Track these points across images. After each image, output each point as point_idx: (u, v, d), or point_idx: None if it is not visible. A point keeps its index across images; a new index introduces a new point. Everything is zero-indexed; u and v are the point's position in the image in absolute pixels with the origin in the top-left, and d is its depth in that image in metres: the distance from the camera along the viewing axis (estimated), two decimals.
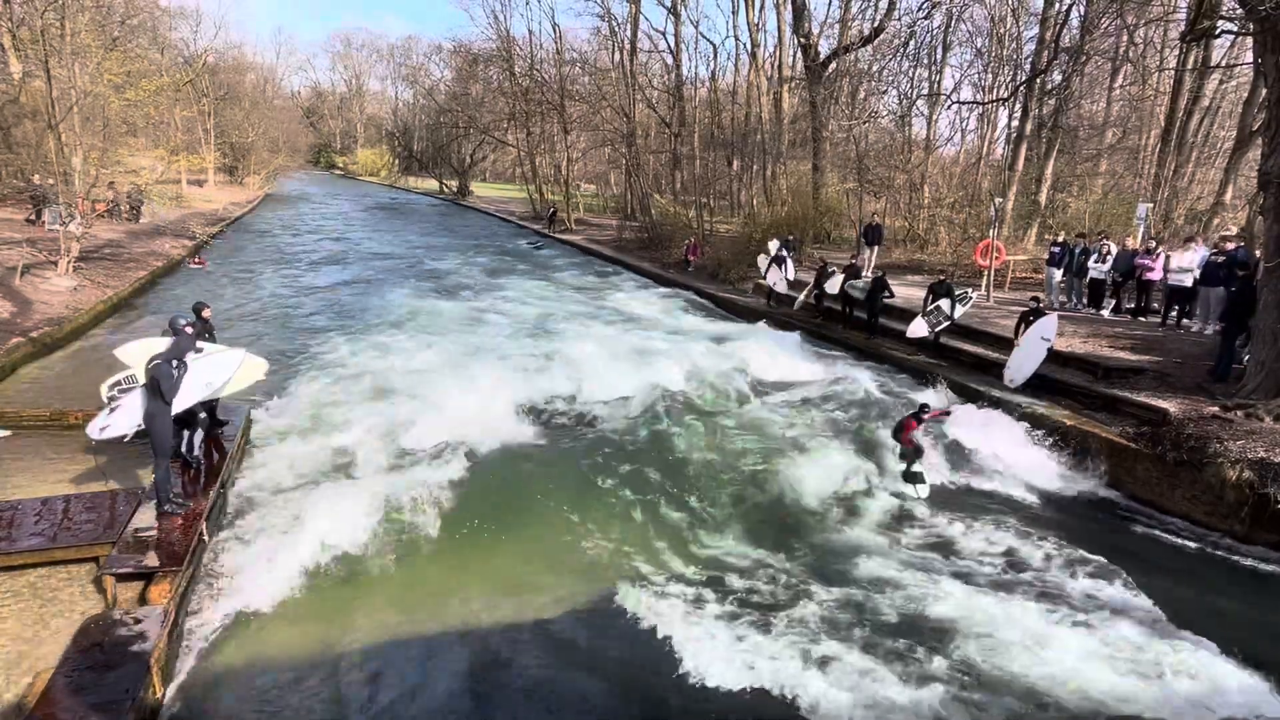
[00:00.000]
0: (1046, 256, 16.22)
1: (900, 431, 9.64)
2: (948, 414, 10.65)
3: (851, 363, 13.89)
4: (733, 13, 39.60)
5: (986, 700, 5.71)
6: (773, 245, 19.41)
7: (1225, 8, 14.00)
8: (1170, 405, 9.79)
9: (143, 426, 6.87)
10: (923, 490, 9.35)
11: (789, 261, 18.86)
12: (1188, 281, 13.00)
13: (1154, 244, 14.18)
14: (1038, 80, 20.00)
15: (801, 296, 17.74)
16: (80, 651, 5.26)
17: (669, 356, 14.14)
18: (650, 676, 6.03)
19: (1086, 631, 6.48)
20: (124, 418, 6.92)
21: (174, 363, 6.77)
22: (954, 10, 25.80)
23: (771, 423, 11.11)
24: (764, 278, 19.37)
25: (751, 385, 12.84)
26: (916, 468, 9.50)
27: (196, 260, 23.11)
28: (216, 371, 7.71)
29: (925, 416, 9.70)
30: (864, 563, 7.62)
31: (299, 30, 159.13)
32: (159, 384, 6.65)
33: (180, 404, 7.18)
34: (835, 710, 5.58)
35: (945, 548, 8.05)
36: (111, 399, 7.85)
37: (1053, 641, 6.32)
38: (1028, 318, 11.91)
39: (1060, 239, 16.00)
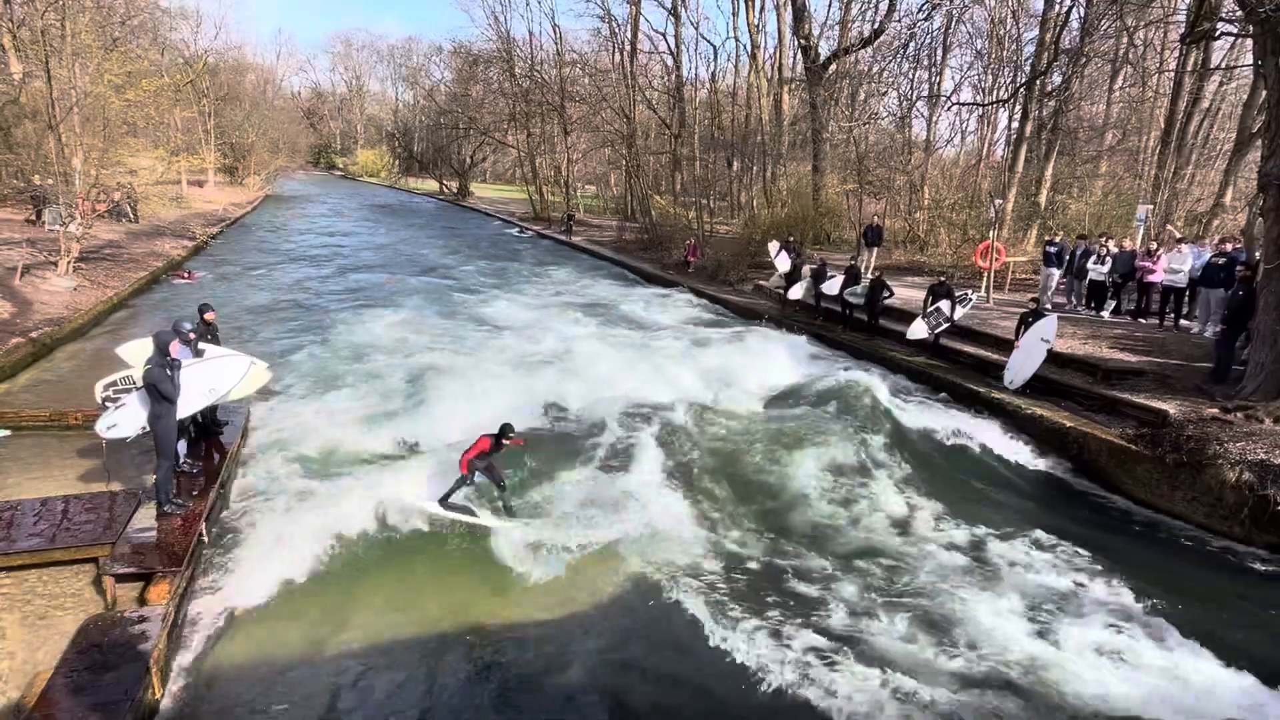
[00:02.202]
0: (1042, 256, 16.26)
1: (467, 450, 7.82)
2: (522, 442, 8.37)
3: (851, 364, 13.89)
4: (733, 14, 39.71)
5: (983, 700, 5.71)
6: (773, 248, 19.35)
7: (1225, 10, 14.04)
8: (1170, 407, 9.79)
9: (146, 429, 6.88)
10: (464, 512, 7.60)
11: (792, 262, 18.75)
12: (1181, 282, 13.03)
13: (1154, 245, 14.19)
14: (1037, 82, 20.00)
15: (800, 294, 17.71)
16: (79, 652, 5.26)
17: (668, 357, 14.14)
18: (649, 674, 6.03)
19: (1085, 633, 6.48)
20: (130, 418, 6.95)
21: (166, 362, 6.77)
22: (954, 12, 25.83)
23: (771, 424, 11.09)
24: (776, 287, 19.23)
25: (750, 386, 12.83)
26: (457, 498, 7.92)
27: (184, 274, 20.95)
28: (221, 378, 7.69)
29: (508, 441, 7.81)
30: (862, 563, 7.62)
31: (299, 31, 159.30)
32: (156, 387, 6.65)
33: (185, 409, 7.18)
34: (833, 706, 5.58)
35: (942, 549, 8.04)
36: (106, 399, 7.84)
37: (1051, 643, 6.32)
38: (1027, 319, 11.92)
39: (1057, 238, 16.02)
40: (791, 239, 20.35)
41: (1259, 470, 8.09)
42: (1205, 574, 7.74)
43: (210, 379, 7.57)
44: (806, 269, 17.90)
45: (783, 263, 18.59)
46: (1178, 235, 13.99)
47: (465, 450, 7.84)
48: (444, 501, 7.93)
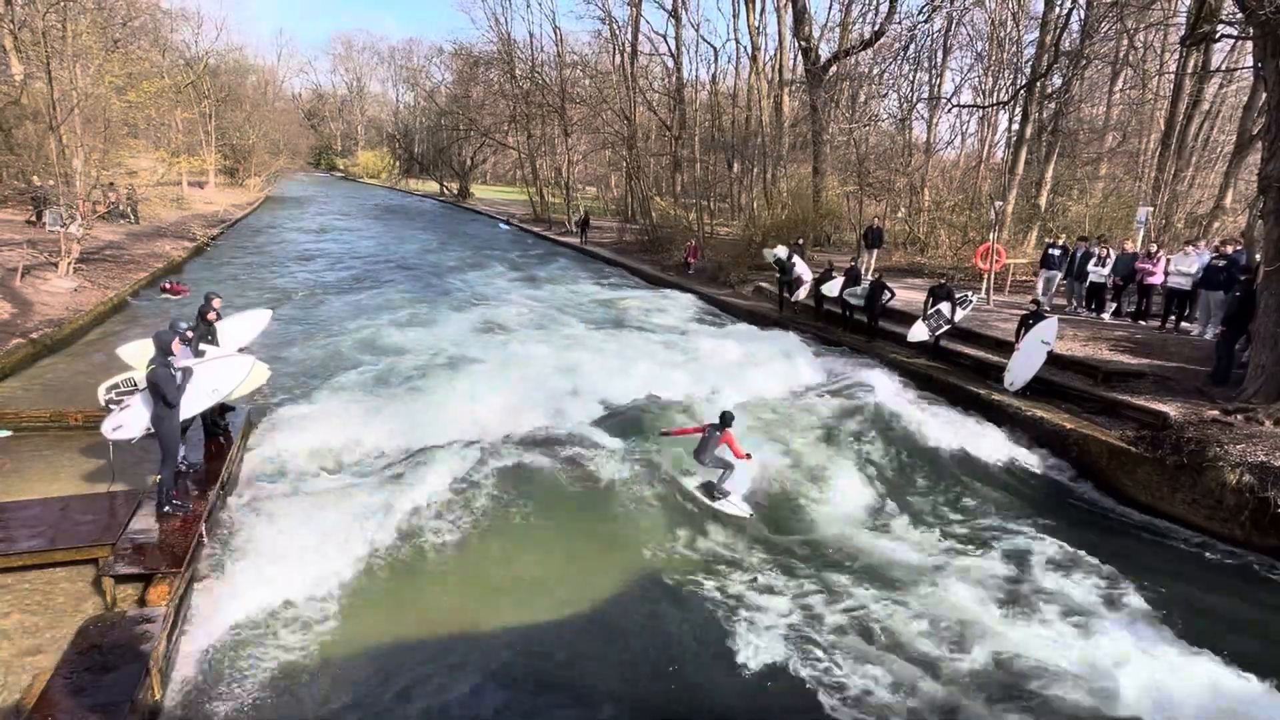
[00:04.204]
0: (1041, 259, 16.27)
1: (711, 442, 8.39)
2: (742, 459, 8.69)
3: (851, 366, 13.88)
4: (733, 16, 39.69)
5: (981, 701, 5.71)
6: (781, 251, 19.15)
7: (1225, 12, 14.04)
8: (1170, 409, 9.79)
9: (151, 430, 6.87)
10: (735, 507, 8.39)
11: (799, 265, 18.49)
12: (1187, 285, 13.03)
13: (1154, 247, 14.19)
14: (1038, 84, 20.01)
15: (801, 296, 17.70)
16: (79, 653, 5.25)
17: (667, 358, 14.14)
18: (648, 674, 6.03)
19: (1086, 635, 6.48)
20: (135, 419, 6.93)
21: (169, 362, 6.75)
22: (954, 14, 25.85)
23: (769, 425, 11.09)
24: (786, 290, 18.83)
25: (749, 387, 12.82)
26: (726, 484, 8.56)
27: (173, 285, 19.18)
28: (224, 379, 7.68)
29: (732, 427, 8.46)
30: (861, 564, 7.62)
31: (300, 32, 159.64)
32: (159, 388, 6.64)
33: (188, 409, 7.16)
34: (829, 705, 5.58)
35: (942, 550, 8.04)
36: (109, 402, 7.84)
37: (1051, 644, 6.32)
38: (1028, 321, 11.91)
39: (1059, 241, 16.03)
40: (800, 241, 20.33)
41: (1259, 472, 8.08)
42: (1205, 576, 7.73)
43: (213, 380, 7.56)
44: (798, 270, 17.77)
45: (804, 270, 18.20)
46: (1186, 239, 13.98)
47: (729, 442, 8.30)
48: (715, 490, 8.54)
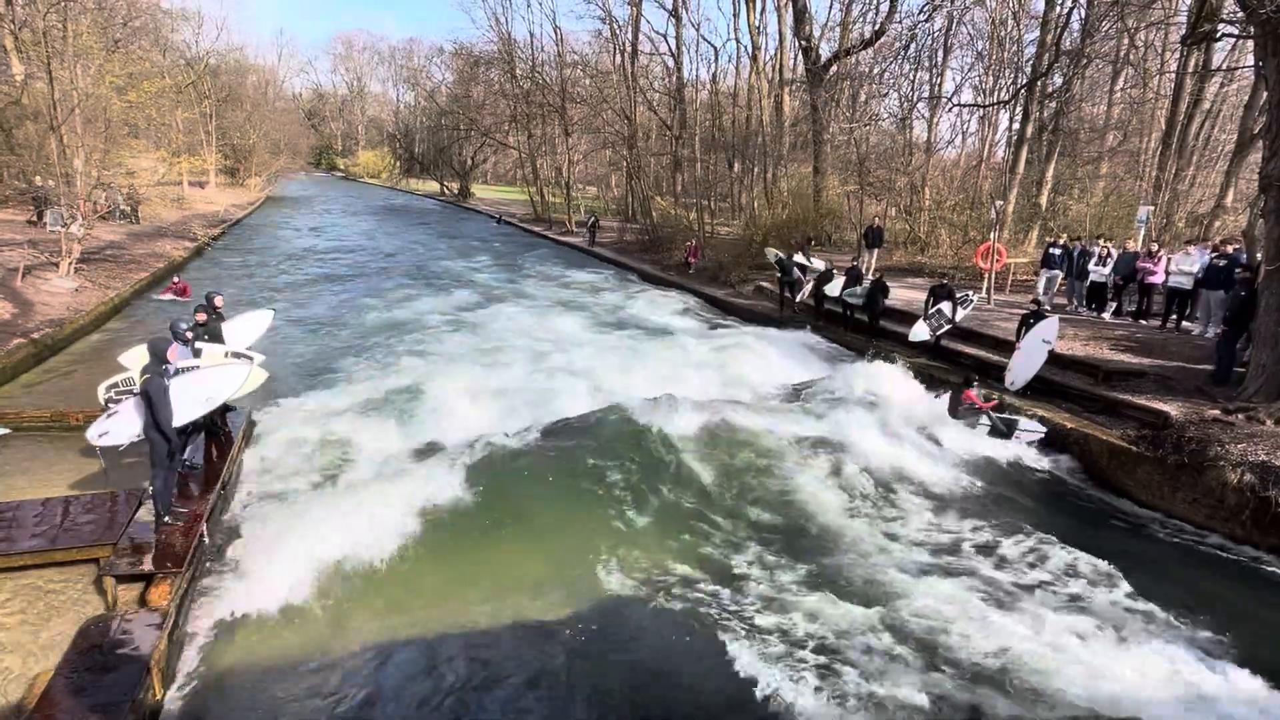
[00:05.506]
0: (1042, 258, 16.25)
1: (958, 401, 11.18)
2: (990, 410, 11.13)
3: (851, 366, 13.86)
4: (734, 15, 39.64)
5: (983, 702, 5.71)
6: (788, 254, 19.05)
7: (1226, 11, 14.02)
8: (1171, 408, 9.79)
9: (141, 437, 6.78)
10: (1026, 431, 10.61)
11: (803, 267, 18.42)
12: (1188, 284, 13.03)
13: (1155, 246, 14.18)
14: (1038, 83, 19.99)
15: (802, 296, 17.72)
16: (80, 653, 5.26)
17: (668, 359, 14.15)
18: (650, 678, 6.03)
19: (1086, 634, 6.47)
20: (123, 426, 6.82)
21: (166, 371, 6.69)
22: (955, 13, 25.81)
23: (768, 425, 11.08)
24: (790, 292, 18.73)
25: (749, 387, 12.84)
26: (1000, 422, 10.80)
27: (176, 285, 18.50)
28: (219, 386, 7.57)
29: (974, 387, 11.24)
30: (859, 564, 7.60)
31: (300, 32, 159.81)
32: (151, 399, 6.54)
33: (182, 418, 7.06)
34: (829, 708, 5.58)
35: (943, 550, 8.03)
36: (109, 401, 7.84)
37: (1051, 644, 6.31)
38: (1029, 320, 11.90)
39: (1060, 240, 16.03)
40: (810, 239, 20.34)
41: (1260, 472, 8.08)
42: (1206, 576, 7.72)
43: (208, 388, 7.46)
44: (796, 272, 17.77)
45: (815, 263, 18.19)
46: (1186, 238, 14.00)
47: (960, 401, 11.13)
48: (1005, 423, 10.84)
